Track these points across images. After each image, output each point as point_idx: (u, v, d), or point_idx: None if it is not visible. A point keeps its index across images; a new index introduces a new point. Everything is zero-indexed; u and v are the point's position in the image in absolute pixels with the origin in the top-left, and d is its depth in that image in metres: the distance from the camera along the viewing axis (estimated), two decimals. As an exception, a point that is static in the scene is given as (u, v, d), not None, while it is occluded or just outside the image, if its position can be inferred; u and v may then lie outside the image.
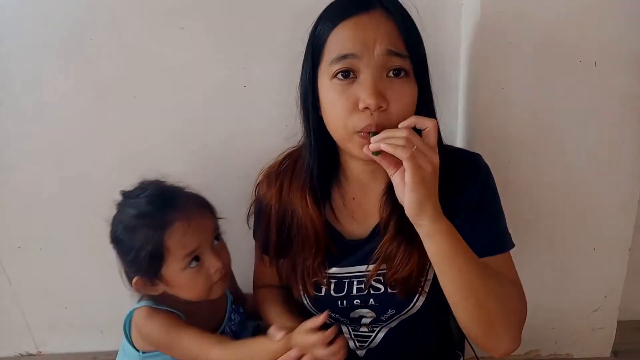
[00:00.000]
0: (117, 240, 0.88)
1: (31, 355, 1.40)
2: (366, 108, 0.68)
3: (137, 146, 1.14)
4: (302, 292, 0.87)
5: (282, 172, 0.88)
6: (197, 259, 0.87)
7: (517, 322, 0.74)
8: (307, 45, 0.77)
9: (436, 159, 0.65)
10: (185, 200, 0.89)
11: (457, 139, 1.11)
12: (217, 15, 1.03)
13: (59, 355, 1.39)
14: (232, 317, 1.03)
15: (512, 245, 0.80)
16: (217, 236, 0.92)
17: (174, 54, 1.05)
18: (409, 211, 0.66)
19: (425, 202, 0.65)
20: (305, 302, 0.89)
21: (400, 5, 0.74)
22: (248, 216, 0.95)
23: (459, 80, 1.07)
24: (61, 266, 1.26)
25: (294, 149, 0.91)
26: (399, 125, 0.66)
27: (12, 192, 1.20)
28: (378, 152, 0.66)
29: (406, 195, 0.65)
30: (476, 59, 0.97)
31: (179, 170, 1.14)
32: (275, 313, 0.91)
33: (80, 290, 1.28)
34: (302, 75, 0.79)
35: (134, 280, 0.88)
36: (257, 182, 0.92)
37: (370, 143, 0.67)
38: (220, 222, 0.94)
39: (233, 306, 1.03)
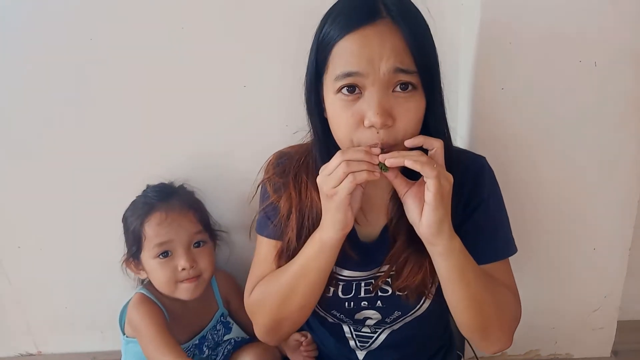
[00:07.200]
0: (123, 218, 1.03)
1: (31, 355, 1.40)
2: (372, 126, 0.66)
3: (136, 146, 1.14)
4: None
5: (297, 166, 0.83)
6: (168, 254, 0.96)
7: (511, 327, 0.78)
8: (313, 45, 0.73)
9: (451, 177, 0.65)
10: (173, 197, 1.00)
11: (457, 139, 1.11)
12: (217, 15, 1.03)
13: (59, 355, 1.38)
14: (218, 328, 1.08)
15: (516, 250, 0.81)
16: (199, 243, 0.98)
17: (174, 54, 1.06)
18: (427, 231, 0.65)
19: (445, 221, 0.64)
20: None
21: (409, 10, 0.69)
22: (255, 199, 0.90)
23: (459, 81, 1.07)
24: (61, 266, 1.26)
25: (303, 144, 0.86)
26: (406, 144, 0.65)
27: (12, 192, 1.20)
28: (386, 168, 0.65)
29: (426, 215, 0.64)
30: (476, 59, 0.97)
31: (178, 170, 1.15)
32: None
33: (80, 290, 1.28)
34: (306, 76, 0.75)
35: (123, 257, 1.02)
36: (269, 162, 0.87)
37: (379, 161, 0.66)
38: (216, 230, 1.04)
39: (222, 318, 1.08)
